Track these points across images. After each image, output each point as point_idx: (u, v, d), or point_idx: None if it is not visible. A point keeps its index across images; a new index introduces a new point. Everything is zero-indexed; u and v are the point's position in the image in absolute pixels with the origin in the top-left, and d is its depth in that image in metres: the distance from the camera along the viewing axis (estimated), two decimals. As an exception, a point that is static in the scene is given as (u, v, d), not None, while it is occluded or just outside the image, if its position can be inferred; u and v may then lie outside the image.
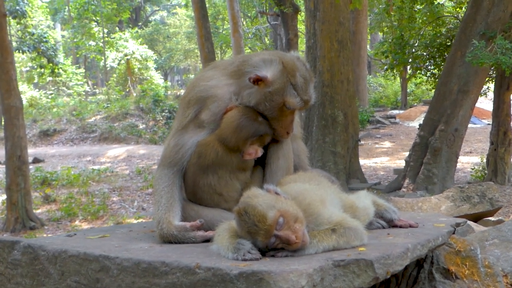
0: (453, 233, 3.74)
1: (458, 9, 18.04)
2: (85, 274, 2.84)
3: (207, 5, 28.56)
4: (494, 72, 14.57)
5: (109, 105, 32.11)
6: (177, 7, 57.19)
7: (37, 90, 39.88)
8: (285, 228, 2.67)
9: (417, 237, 3.13)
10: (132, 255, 2.76)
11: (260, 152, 3.47)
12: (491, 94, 16.93)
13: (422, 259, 3.63)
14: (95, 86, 49.39)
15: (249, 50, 33.36)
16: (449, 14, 18.20)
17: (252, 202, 2.72)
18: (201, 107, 3.49)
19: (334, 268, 2.57)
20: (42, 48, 33.99)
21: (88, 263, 2.83)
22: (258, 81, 3.38)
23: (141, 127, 29.33)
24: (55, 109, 32.00)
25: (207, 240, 3.20)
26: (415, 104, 34.11)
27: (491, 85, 16.15)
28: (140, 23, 57.58)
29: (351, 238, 2.88)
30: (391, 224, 3.53)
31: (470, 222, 5.12)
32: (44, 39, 34.01)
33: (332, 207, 3.02)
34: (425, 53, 17.23)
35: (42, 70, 37.36)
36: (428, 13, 17.64)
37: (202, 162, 3.42)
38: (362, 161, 16.83)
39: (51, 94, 37.98)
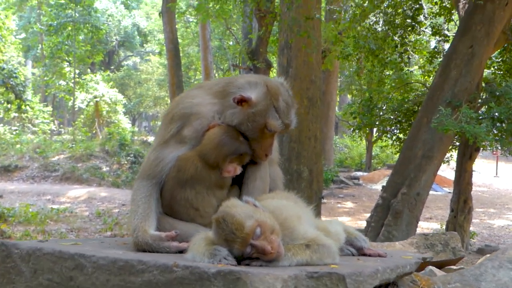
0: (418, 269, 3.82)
1: (426, 77, 18.49)
2: (59, 272, 2.81)
3: (180, 55, 29.01)
4: (458, 141, 14.91)
5: (74, 145, 31.69)
6: (150, 54, 57.55)
7: (1, 125, 39.32)
8: (261, 238, 2.72)
9: (386, 263, 3.20)
10: (108, 255, 2.76)
11: (238, 170, 3.52)
12: (453, 163, 17.22)
13: (386, 293, 3.70)
14: (61, 126, 48.87)
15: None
16: (417, 81, 18.70)
17: (231, 211, 2.78)
18: (184, 123, 3.55)
19: (307, 279, 2.61)
20: (11, 83, 33.77)
21: (63, 261, 2.81)
22: (242, 101, 3.46)
23: (104, 169, 28.93)
24: (18, 145, 31.45)
25: (181, 252, 3.22)
26: (379, 167, 34.46)
27: (454, 154, 16.48)
28: (112, 67, 57.78)
29: (324, 255, 2.95)
30: (361, 252, 3.61)
31: (433, 268, 5.21)
32: (14, 75, 33.82)
33: (307, 224, 3.10)
34: (392, 117, 17.46)
35: (9, 105, 37.01)
36: (397, 79, 18.06)
37: (181, 176, 3.46)
38: (324, 219, 16.85)
39: (16, 130, 37.46)
